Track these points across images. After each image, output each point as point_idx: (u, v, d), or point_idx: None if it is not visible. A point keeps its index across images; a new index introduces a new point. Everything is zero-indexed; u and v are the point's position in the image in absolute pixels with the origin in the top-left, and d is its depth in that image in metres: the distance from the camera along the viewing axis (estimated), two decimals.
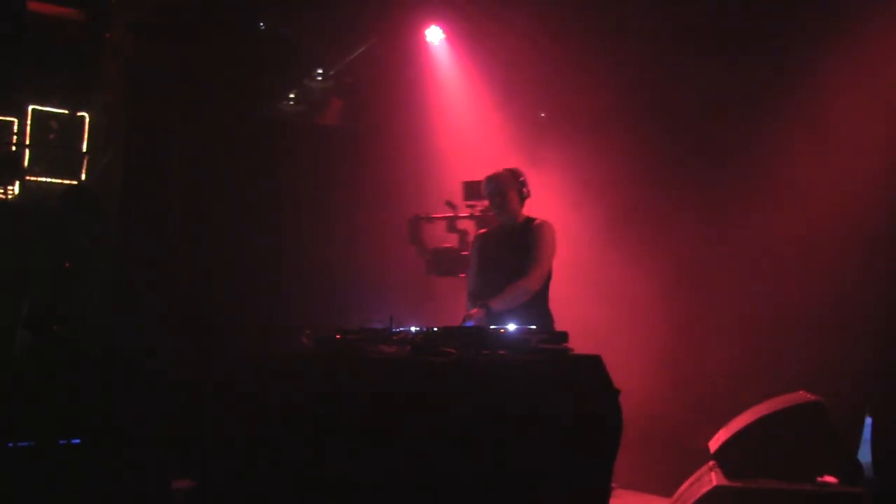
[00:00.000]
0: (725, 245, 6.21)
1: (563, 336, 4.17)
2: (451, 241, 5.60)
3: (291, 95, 7.01)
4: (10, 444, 4.85)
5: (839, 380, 5.19)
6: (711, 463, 4.85)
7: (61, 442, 5.15)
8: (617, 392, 3.44)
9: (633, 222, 6.64)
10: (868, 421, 5.05)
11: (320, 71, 7.02)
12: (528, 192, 4.61)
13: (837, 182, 5.50)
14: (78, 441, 5.23)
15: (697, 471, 5.01)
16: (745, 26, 6.04)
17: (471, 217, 5.54)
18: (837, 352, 5.40)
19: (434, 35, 6.99)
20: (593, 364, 3.46)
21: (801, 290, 5.67)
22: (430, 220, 5.53)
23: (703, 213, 6.36)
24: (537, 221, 4.54)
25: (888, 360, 5.21)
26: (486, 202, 5.24)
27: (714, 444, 4.85)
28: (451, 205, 5.50)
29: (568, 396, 3.30)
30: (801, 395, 4.75)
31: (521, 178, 4.58)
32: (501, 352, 3.21)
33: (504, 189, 4.55)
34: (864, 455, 4.92)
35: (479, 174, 4.76)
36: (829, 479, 4.38)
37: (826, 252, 5.56)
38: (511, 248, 4.52)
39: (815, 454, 4.46)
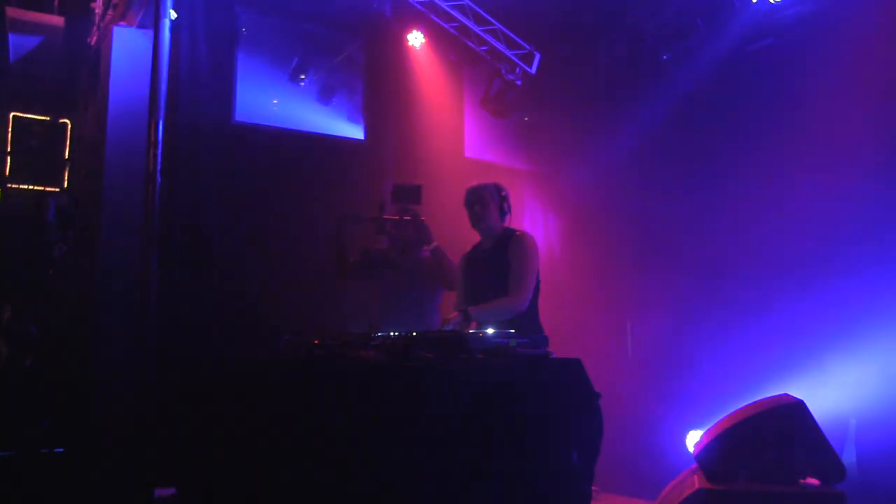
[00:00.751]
0: (710, 247, 6.24)
1: (543, 340, 4.20)
2: (381, 242, 5.48)
3: (274, 101, 6.98)
4: None
5: (823, 381, 5.22)
6: (694, 466, 4.84)
7: (43, 451, 5.13)
8: (597, 395, 3.44)
9: (619, 225, 6.67)
10: (853, 423, 5.07)
11: (303, 76, 6.99)
12: (509, 207, 4.60)
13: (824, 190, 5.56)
14: (61, 451, 5.21)
15: (680, 474, 5.01)
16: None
17: (399, 221, 5.30)
18: (821, 354, 5.43)
19: (416, 39, 6.99)
20: (573, 367, 3.46)
21: (783, 295, 5.71)
22: (359, 220, 5.37)
23: (693, 215, 6.39)
24: (517, 233, 4.52)
25: (872, 361, 5.25)
26: (408, 210, 5.27)
27: (696, 447, 4.84)
28: (381, 206, 5.34)
29: (548, 400, 3.29)
30: (784, 397, 4.75)
31: (504, 193, 4.58)
32: (479, 356, 3.21)
33: (485, 199, 4.54)
34: (850, 456, 4.93)
35: (463, 179, 4.73)
36: (812, 480, 4.39)
37: (807, 259, 5.63)
38: (492, 265, 4.51)
39: (797, 456, 4.45)
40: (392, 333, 3.47)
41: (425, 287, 5.35)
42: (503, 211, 4.58)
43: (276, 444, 3.20)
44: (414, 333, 3.36)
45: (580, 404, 3.40)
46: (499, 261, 4.47)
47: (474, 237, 4.68)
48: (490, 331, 3.52)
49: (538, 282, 4.45)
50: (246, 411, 3.42)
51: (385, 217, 5.30)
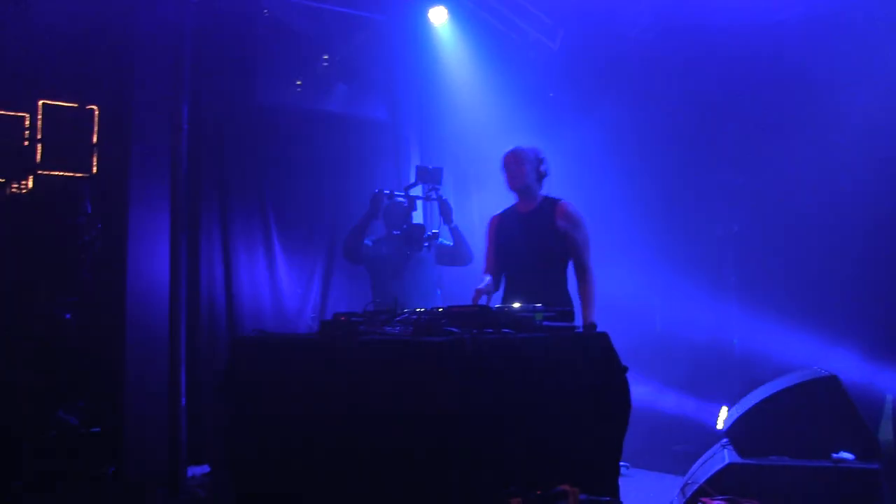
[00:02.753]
0: (737, 221, 6.18)
1: (570, 314, 4.18)
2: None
3: (298, 82, 6.98)
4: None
5: (857, 356, 5.17)
6: (724, 440, 4.81)
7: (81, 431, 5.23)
8: (625, 369, 3.42)
9: (646, 200, 6.61)
10: (890, 398, 5.00)
11: (326, 56, 6.98)
12: (546, 172, 4.58)
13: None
14: (97, 430, 5.31)
15: (710, 449, 4.98)
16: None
17: (426, 199, 5.68)
18: (854, 328, 5.37)
19: (438, 16, 6.95)
20: (600, 341, 3.44)
21: (815, 269, 5.64)
22: (393, 197, 5.58)
23: (717, 191, 6.33)
24: (562, 202, 4.51)
25: None
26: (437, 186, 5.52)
27: (727, 422, 4.81)
28: (407, 187, 5.65)
29: (574, 374, 3.28)
30: (816, 371, 4.70)
31: (541, 156, 4.58)
32: (506, 330, 3.19)
33: (520, 159, 4.53)
34: (886, 433, 4.86)
35: (488, 156, 4.74)
36: (845, 455, 4.34)
37: (843, 230, 5.54)
38: (535, 230, 4.49)
39: (830, 430, 4.40)
40: (417, 309, 3.47)
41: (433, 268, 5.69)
42: (540, 173, 4.56)
43: (307, 420, 3.22)
44: (440, 309, 3.36)
45: (607, 379, 3.39)
46: (542, 226, 4.46)
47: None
48: (516, 305, 3.50)
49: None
50: (277, 388, 3.44)
51: (411, 196, 5.59)
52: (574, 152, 6.47)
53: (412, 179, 5.70)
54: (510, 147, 4.60)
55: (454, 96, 7.20)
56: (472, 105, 7.08)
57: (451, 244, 5.64)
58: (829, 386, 4.48)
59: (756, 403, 4.62)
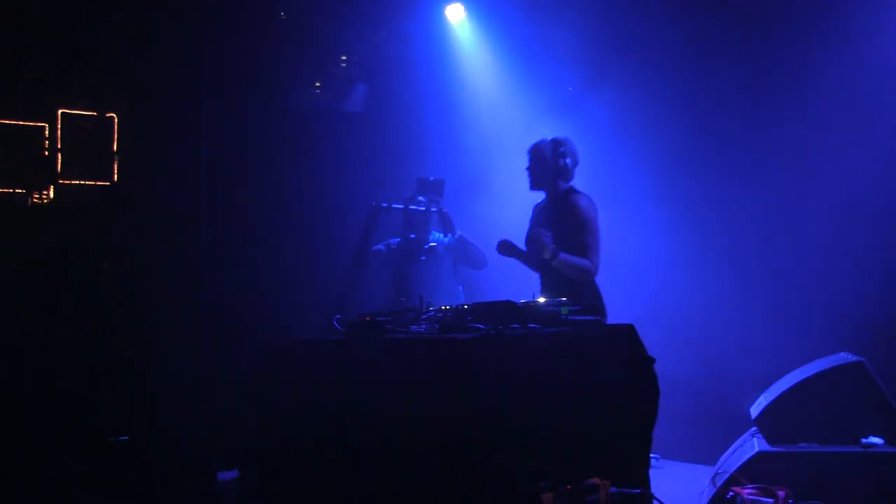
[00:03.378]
0: (761, 210, 6.15)
1: (596, 308, 4.18)
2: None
3: (317, 84, 7.00)
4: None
5: (885, 341, 5.13)
6: (753, 429, 4.80)
7: (109, 440, 5.25)
8: (652, 360, 3.42)
9: (663, 198, 6.58)
10: None
11: (344, 57, 7.00)
12: (568, 163, 4.54)
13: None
14: (126, 438, 5.33)
15: (739, 438, 4.97)
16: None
17: (426, 211, 5.55)
18: (882, 313, 5.34)
19: (455, 14, 6.94)
20: (626, 333, 3.43)
21: (841, 255, 5.62)
22: (390, 210, 5.51)
23: (734, 185, 6.30)
24: (573, 195, 4.50)
25: None
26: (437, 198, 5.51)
27: (755, 410, 4.79)
28: (408, 199, 5.56)
29: (601, 367, 3.28)
30: (843, 357, 4.68)
31: (562, 149, 4.53)
32: (532, 325, 3.20)
33: (534, 159, 4.58)
34: None
35: (507, 154, 4.73)
36: (875, 440, 4.32)
37: (869, 217, 5.53)
38: (550, 221, 4.53)
39: (859, 415, 4.38)
40: (443, 307, 3.48)
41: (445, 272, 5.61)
42: (559, 168, 4.52)
43: (337, 422, 3.23)
44: (465, 306, 3.37)
45: (634, 371, 3.38)
46: (562, 219, 4.47)
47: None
48: (541, 300, 3.51)
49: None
50: (306, 391, 3.45)
51: (411, 208, 5.52)
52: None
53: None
54: (531, 146, 4.62)
55: (473, 94, 7.19)
56: (491, 102, 7.07)
57: (461, 250, 5.59)
58: (857, 371, 4.46)
59: (784, 391, 4.60)
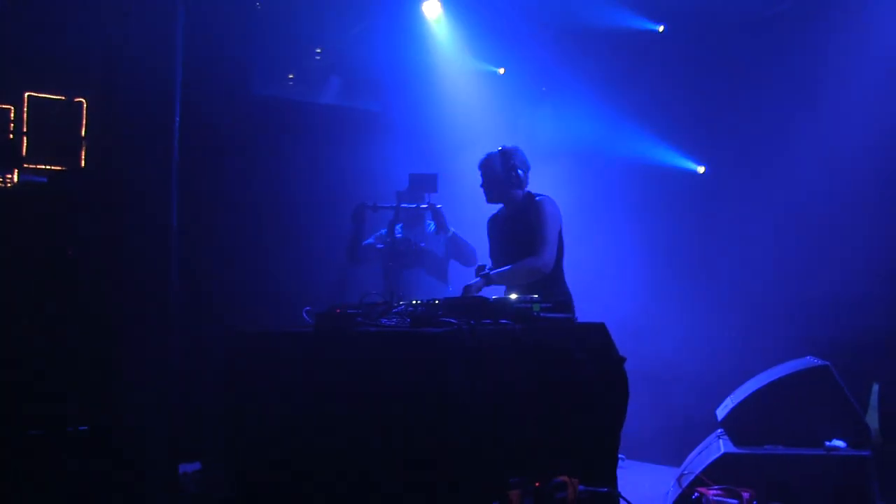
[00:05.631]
0: (731, 215, 6.21)
1: (567, 305, 4.18)
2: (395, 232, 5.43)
3: (290, 76, 6.94)
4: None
5: (846, 347, 5.19)
6: (719, 431, 4.83)
7: (69, 429, 5.16)
8: (622, 359, 3.43)
9: (639, 200, 6.63)
10: (875, 387, 5.04)
11: (319, 50, 6.95)
12: (520, 173, 4.46)
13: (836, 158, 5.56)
14: (85, 428, 5.25)
15: (706, 439, 5.00)
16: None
17: (416, 209, 5.37)
18: (844, 320, 5.40)
19: (431, 9, 6.91)
20: (597, 331, 3.44)
21: (804, 261, 5.69)
22: (375, 209, 5.37)
23: (709, 184, 6.36)
24: (537, 199, 4.44)
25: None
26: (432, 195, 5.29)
27: (722, 412, 4.83)
28: (399, 195, 5.34)
29: (572, 364, 3.27)
30: (809, 361, 4.73)
31: (512, 161, 4.45)
32: (504, 321, 3.19)
33: (486, 173, 4.52)
34: (872, 421, 4.90)
35: (477, 152, 4.67)
36: (838, 443, 4.37)
37: (828, 227, 5.64)
38: (513, 229, 4.48)
39: (823, 418, 4.45)
40: (414, 301, 3.45)
41: (436, 273, 5.47)
42: (512, 178, 4.45)
43: (304, 414, 3.19)
44: (436, 301, 3.35)
45: (604, 369, 3.39)
46: (517, 227, 4.44)
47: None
48: (513, 296, 3.50)
49: (561, 244, 4.40)
50: (273, 382, 3.40)
51: (402, 206, 5.32)
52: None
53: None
54: (481, 160, 4.55)
55: (448, 89, 7.17)
56: (465, 98, 7.05)
57: (453, 247, 5.47)
58: (822, 375, 4.53)
59: (750, 393, 4.65)
